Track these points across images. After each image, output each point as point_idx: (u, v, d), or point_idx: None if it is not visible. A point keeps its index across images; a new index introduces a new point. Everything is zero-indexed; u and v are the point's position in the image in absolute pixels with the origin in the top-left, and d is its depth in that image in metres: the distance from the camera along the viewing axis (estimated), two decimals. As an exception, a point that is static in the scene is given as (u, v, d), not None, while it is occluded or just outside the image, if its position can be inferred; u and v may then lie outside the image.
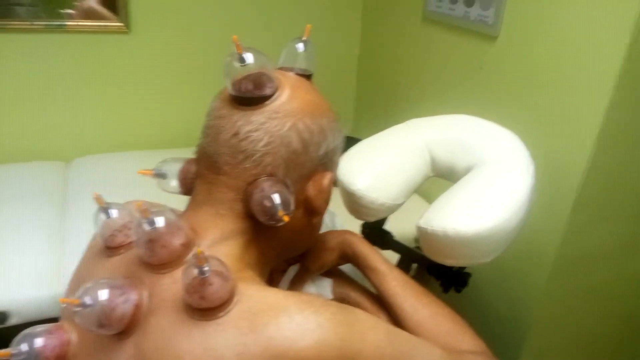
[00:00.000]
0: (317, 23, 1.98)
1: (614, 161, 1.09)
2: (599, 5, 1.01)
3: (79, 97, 1.80)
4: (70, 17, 1.67)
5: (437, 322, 0.70)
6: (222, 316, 0.49)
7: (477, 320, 1.37)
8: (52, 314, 1.16)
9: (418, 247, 0.92)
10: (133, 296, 0.52)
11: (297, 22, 1.98)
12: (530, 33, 1.19)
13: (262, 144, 0.56)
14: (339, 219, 1.19)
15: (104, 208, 0.59)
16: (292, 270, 0.80)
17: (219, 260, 0.50)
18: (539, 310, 1.24)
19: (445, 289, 0.86)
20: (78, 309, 0.49)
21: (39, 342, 0.54)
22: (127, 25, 1.73)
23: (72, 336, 0.56)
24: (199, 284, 0.48)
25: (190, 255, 0.54)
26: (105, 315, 0.51)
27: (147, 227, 0.52)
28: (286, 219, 0.53)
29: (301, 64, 0.65)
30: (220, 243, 0.57)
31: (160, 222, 0.53)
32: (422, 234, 0.76)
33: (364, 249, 0.76)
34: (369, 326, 0.53)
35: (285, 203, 0.54)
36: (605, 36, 1.01)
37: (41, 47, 1.67)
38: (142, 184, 1.59)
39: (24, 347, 0.53)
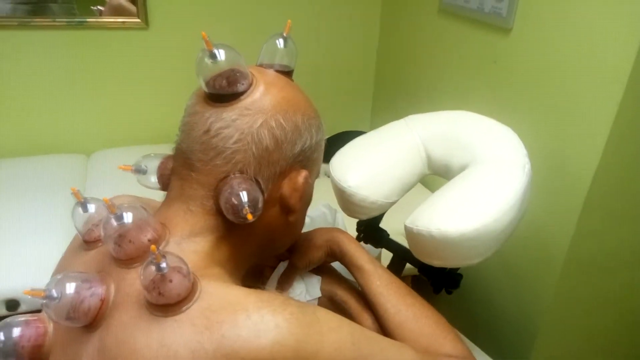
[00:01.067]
0: (337, 16, 1.98)
1: (624, 162, 1.04)
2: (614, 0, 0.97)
3: (100, 92, 1.85)
4: (101, 13, 1.71)
5: (420, 323, 0.68)
6: (180, 313, 0.49)
7: (487, 322, 1.35)
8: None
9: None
10: (99, 290, 0.53)
11: (315, 17, 1.97)
12: (544, 25, 1.15)
13: (232, 140, 0.56)
14: (340, 216, 1.18)
15: (82, 203, 0.60)
16: (282, 266, 0.80)
17: (178, 257, 0.50)
18: (548, 313, 1.20)
19: (436, 290, 0.84)
20: (44, 300, 0.51)
21: (16, 332, 0.56)
22: (146, 21, 1.76)
23: (50, 327, 0.58)
24: (159, 280, 0.48)
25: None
26: (73, 308, 0.52)
27: (114, 223, 0.53)
28: (250, 217, 0.53)
29: (281, 60, 0.64)
30: (188, 239, 0.57)
31: (128, 217, 0.53)
32: (409, 234, 0.74)
33: (351, 247, 0.75)
34: (330, 327, 0.52)
35: (252, 201, 0.54)
36: (619, 31, 0.96)
37: (63, 44, 1.73)
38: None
39: (1, 336, 0.55)
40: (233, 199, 0.54)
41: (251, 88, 0.57)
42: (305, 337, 0.49)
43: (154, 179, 0.65)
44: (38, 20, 1.66)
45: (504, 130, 0.85)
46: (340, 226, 1.18)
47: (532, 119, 1.17)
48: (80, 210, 0.60)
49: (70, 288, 0.51)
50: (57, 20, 1.67)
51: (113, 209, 0.53)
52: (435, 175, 0.90)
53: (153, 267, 0.48)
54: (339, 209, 1.07)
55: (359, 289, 0.77)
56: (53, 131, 1.84)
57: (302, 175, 0.61)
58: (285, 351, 0.47)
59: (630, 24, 0.93)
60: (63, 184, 1.63)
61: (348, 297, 0.77)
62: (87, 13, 1.70)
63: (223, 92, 0.57)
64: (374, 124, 2.22)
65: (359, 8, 2.03)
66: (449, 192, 0.75)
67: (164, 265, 0.48)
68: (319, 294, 0.80)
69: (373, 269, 0.73)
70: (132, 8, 1.73)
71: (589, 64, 1.03)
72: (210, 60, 0.56)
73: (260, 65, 0.64)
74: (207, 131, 0.56)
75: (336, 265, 0.81)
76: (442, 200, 0.74)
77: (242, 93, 0.57)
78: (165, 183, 0.63)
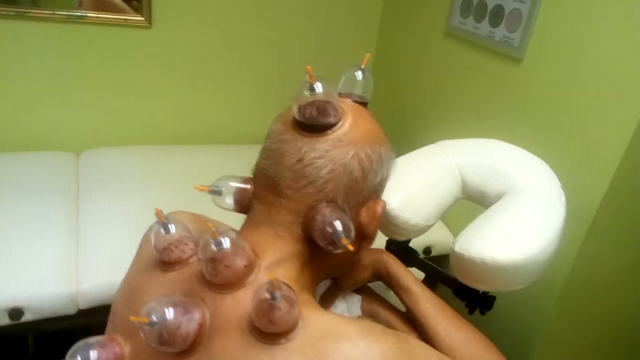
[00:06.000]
0: (333, 25, 2.00)
1: (630, 194, 1.12)
2: (630, 36, 1.04)
3: (97, 90, 1.79)
4: (80, 4, 1.63)
5: (470, 346, 0.71)
6: (288, 341, 0.50)
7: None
8: (68, 311, 1.16)
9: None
10: (196, 315, 0.53)
11: (313, 25, 1.99)
12: (556, 59, 1.21)
13: (325, 171, 0.57)
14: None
15: (163, 223, 0.60)
16: (323, 286, 0.81)
17: (288, 286, 0.51)
18: (546, 333, 1.27)
19: (471, 311, 0.88)
20: (146, 327, 0.50)
21: (93, 355, 0.55)
22: (149, 20, 1.72)
23: (126, 349, 0.57)
24: (269, 308, 0.49)
25: (252, 277, 0.55)
26: (168, 333, 0.51)
27: (213, 247, 0.53)
28: (350, 247, 0.54)
29: (358, 91, 0.66)
30: (278, 265, 0.58)
31: (226, 242, 0.53)
32: (458, 260, 0.78)
33: (398, 269, 0.77)
34: (423, 356, 0.55)
35: (346, 230, 0.56)
36: (632, 68, 1.03)
37: (61, 38, 1.66)
38: (150, 179, 1.62)
39: (78, 358, 0.54)
40: (327, 228, 0.56)
41: (341, 120, 0.59)
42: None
43: (229, 200, 0.65)
44: (36, 12, 1.58)
45: (536, 160, 0.90)
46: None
47: (540, 148, 1.24)
48: (161, 231, 0.60)
49: (170, 313, 0.51)
50: (56, 12, 1.61)
51: (216, 234, 0.53)
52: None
53: (267, 296, 0.49)
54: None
55: (397, 308, 0.80)
56: (43, 128, 1.76)
57: (380, 205, 0.63)
58: None
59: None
60: (54, 183, 1.57)
61: (392, 317, 0.80)
62: (71, 6, 1.63)
63: (316, 123, 0.58)
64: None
65: (356, 21, 2.06)
66: (497, 220, 0.79)
67: (278, 294, 0.49)
68: (359, 312, 0.82)
69: (421, 291, 0.75)
70: (122, 4, 1.68)
71: (600, 100, 1.11)
72: (309, 93, 0.57)
73: (339, 95, 0.66)
74: (300, 160, 0.57)
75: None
76: (492, 227, 0.78)
77: (334, 125, 0.58)
78: (243, 206, 0.63)
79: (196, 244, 0.61)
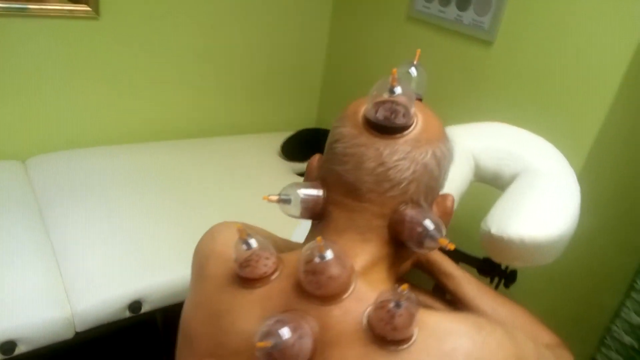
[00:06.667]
0: (287, 18, 1.97)
1: (605, 167, 1.23)
2: (599, 14, 1.11)
3: (39, 89, 1.62)
4: None
5: (517, 320, 0.76)
6: (410, 345, 0.50)
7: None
8: (65, 336, 1.07)
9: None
10: (307, 330, 0.52)
11: (265, 15, 1.94)
12: (528, 39, 1.29)
13: (409, 172, 0.57)
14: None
15: (245, 240, 0.57)
16: None
17: (410, 291, 0.51)
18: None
19: (497, 286, 0.93)
20: (266, 350, 0.49)
21: None
22: (96, 10, 1.58)
23: None
24: (391, 316, 0.49)
25: (352, 285, 0.55)
26: (280, 352, 0.50)
27: (317, 260, 0.52)
28: (452, 247, 0.56)
29: (413, 87, 0.66)
30: (371, 270, 0.58)
31: (329, 254, 0.53)
32: (496, 241, 0.82)
33: (438, 256, 0.80)
34: (522, 338, 0.58)
35: (438, 228, 0.57)
36: (602, 46, 1.12)
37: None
38: (111, 182, 1.51)
39: None
40: (418, 228, 0.56)
41: (416, 120, 0.59)
42: (521, 352, 0.54)
43: (297, 207, 0.63)
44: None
45: (543, 140, 0.97)
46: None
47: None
48: (243, 247, 0.57)
49: (286, 333, 0.50)
50: (-9, 5, 1.42)
51: (322, 248, 0.52)
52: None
53: (392, 304, 0.49)
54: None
55: (428, 290, 0.83)
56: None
57: (449, 199, 0.64)
58: None
59: (617, 39, 1.10)
60: (7, 196, 1.42)
61: (433, 302, 0.83)
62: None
63: (392, 125, 0.58)
64: (321, 122, 2.27)
65: (307, 9, 2.03)
66: (526, 200, 0.84)
67: (404, 303, 0.49)
68: None
69: (462, 274, 0.79)
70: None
71: (573, 77, 1.20)
72: (389, 95, 0.57)
73: None
74: (382, 163, 0.57)
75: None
76: (524, 208, 0.82)
77: (410, 125, 0.59)
78: (316, 213, 0.62)
79: (277, 258, 0.59)
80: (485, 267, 0.93)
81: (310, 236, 0.64)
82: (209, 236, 0.69)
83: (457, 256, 1.03)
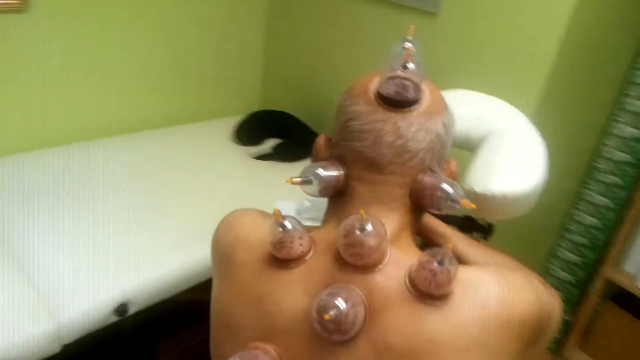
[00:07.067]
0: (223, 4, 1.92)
1: (548, 123, 1.35)
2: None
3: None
4: None
5: (511, 265, 0.84)
6: (452, 298, 0.56)
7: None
8: (52, 350, 1.01)
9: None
10: (358, 299, 0.55)
11: (201, 4, 1.88)
12: (470, 8, 1.37)
13: (425, 142, 0.62)
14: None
15: (280, 223, 0.59)
16: None
17: (449, 250, 0.55)
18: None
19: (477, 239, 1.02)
20: (324, 323, 0.52)
21: None
22: (24, 1, 1.45)
23: (277, 354, 0.57)
24: (434, 274, 0.54)
25: (388, 252, 0.59)
26: (338, 323, 0.53)
27: (358, 232, 0.55)
28: (473, 206, 0.61)
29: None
30: (399, 236, 0.62)
31: (369, 226, 0.56)
32: (482, 199, 0.89)
33: (429, 218, 0.86)
34: (533, 278, 0.65)
35: (457, 192, 0.62)
36: (544, 13, 1.23)
37: None
38: (63, 184, 1.43)
39: None
40: (439, 193, 0.61)
41: (424, 93, 0.63)
42: (538, 289, 0.61)
43: (316, 186, 0.65)
44: None
45: (505, 103, 1.05)
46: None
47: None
48: (279, 229, 0.59)
49: (342, 304, 0.53)
50: None
51: (364, 221, 0.55)
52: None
53: (436, 264, 0.54)
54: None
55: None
56: None
57: (453, 163, 0.70)
58: (536, 306, 0.59)
59: (555, 7, 1.20)
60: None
61: None
62: None
63: (405, 99, 0.61)
64: (266, 103, 2.26)
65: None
66: (501, 158, 0.92)
67: (446, 261, 0.54)
68: None
69: (453, 232, 0.86)
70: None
71: (515, 43, 1.30)
72: (402, 71, 0.60)
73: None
74: (401, 136, 0.61)
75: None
76: (502, 166, 0.90)
77: (420, 98, 0.63)
78: (339, 189, 0.65)
79: (310, 238, 0.62)
80: (465, 224, 1.01)
81: (332, 213, 0.67)
82: (227, 226, 0.70)
83: (440, 217, 1.10)
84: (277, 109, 2.01)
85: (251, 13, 2.06)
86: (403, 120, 0.61)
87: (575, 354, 1.86)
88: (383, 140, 0.61)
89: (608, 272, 1.68)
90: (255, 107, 2.26)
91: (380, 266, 0.58)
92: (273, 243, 0.60)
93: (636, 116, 1.73)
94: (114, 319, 1.06)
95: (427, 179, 0.62)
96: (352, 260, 0.57)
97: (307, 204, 1.25)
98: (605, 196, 1.90)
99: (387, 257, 0.58)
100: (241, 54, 2.10)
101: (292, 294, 0.59)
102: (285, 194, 1.48)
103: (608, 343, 1.80)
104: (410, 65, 0.60)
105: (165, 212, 1.34)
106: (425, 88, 0.64)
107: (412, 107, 0.62)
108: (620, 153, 1.81)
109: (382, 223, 0.58)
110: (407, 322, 0.55)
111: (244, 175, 1.63)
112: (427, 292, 0.55)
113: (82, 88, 1.70)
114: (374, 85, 0.63)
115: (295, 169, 1.72)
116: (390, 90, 0.61)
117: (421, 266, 0.55)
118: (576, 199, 1.95)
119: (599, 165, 1.86)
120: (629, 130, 1.77)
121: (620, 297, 1.77)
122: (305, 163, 1.95)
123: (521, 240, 1.59)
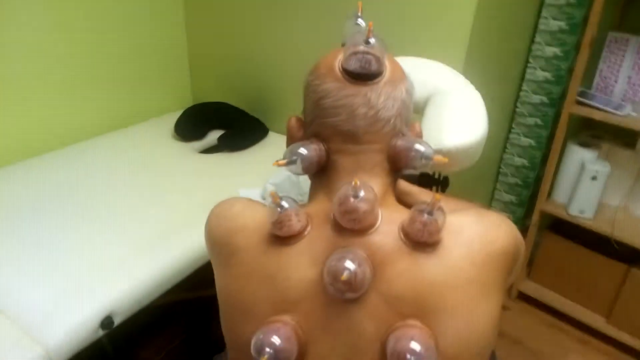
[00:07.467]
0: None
1: (478, 77, 1.46)
2: None
3: None
4: None
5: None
6: (443, 244, 0.62)
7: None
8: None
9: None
10: (363, 259, 0.60)
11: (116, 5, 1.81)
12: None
13: (394, 110, 0.67)
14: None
15: (278, 203, 0.63)
16: None
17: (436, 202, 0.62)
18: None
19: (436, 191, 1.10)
20: (339, 285, 0.57)
21: (276, 341, 0.59)
22: None
23: (294, 322, 0.62)
24: (424, 224, 0.60)
25: (379, 213, 0.64)
26: (349, 283, 0.59)
27: (352, 199, 0.60)
28: (445, 159, 0.68)
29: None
30: (384, 197, 0.68)
31: (362, 192, 0.61)
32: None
33: None
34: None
35: (429, 149, 0.68)
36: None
37: None
38: (19, 205, 1.35)
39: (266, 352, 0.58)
40: (412, 153, 0.68)
41: (387, 64, 0.69)
42: (511, 225, 0.69)
43: (301, 165, 0.69)
44: None
45: (440, 64, 1.13)
46: (302, 183, 1.31)
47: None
48: (278, 210, 0.63)
49: (351, 265, 0.58)
50: None
51: (358, 188, 0.60)
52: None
53: (425, 216, 0.60)
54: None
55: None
56: None
57: (417, 125, 0.76)
58: (514, 238, 0.67)
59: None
60: None
61: None
62: None
63: (371, 72, 0.66)
64: (197, 97, 2.23)
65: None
66: (448, 115, 1.00)
67: (435, 211, 0.60)
68: None
69: (417, 189, 0.93)
70: None
71: (435, 11, 1.39)
72: (365, 46, 0.65)
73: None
74: (373, 107, 0.66)
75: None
76: (450, 122, 0.98)
77: (384, 70, 0.68)
78: (322, 165, 0.69)
79: (306, 213, 0.66)
80: (423, 180, 1.09)
81: (319, 187, 0.71)
82: (218, 217, 0.72)
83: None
84: (213, 100, 2.00)
85: (169, 5, 2.01)
86: (372, 91, 0.66)
87: (524, 283, 2.05)
88: (357, 113, 0.66)
89: (542, 204, 1.86)
90: (189, 102, 2.22)
91: (375, 227, 0.63)
92: (273, 223, 0.63)
93: (546, 60, 1.91)
94: (101, 333, 1.05)
95: (401, 142, 0.68)
96: (351, 226, 0.62)
97: (270, 187, 1.28)
98: (529, 137, 2.08)
99: (380, 218, 0.64)
100: (165, 49, 2.04)
101: (299, 266, 0.63)
102: (242, 182, 1.49)
103: (551, 268, 2.00)
104: (372, 40, 0.65)
105: (126, 219, 1.32)
106: (386, 59, 0.69)
107: (377, 79, 0.67)
108: (536, 96, 1.99)
109: (372, 187, 0.63)
110: (407, 270, 0.61)
111: (195, 171, 1.62)
112: (421, 241, 0.61)
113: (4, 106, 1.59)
114: (338, 62, 0.68)
115: (245, 157, 1.74)
116: (355, 65, 0.66)
117: (413, 219, 0.61)
118: (507, 144, 2.13)
119: (520, 110, 2.04)
120: (541, 74, 1.95)
121: (555, 225, 1.97)
122: (254, 150, 1.98)
123: (465, 191, 1.72)
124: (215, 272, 0.72)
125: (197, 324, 1.55)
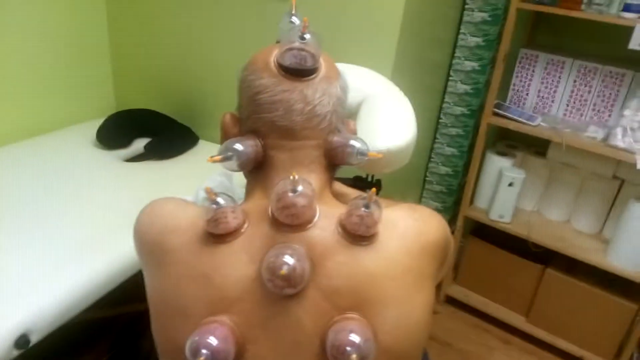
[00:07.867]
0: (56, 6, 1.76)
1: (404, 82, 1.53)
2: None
3: None
4: None
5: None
6: (378, 238, 0.63)
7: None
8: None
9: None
10: (302, 254, 0.60)
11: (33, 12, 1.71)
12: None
13: (329, 106, 0.68)
14: (235, 179, 1.29)
15: (214, 200, 0.61)
16: None
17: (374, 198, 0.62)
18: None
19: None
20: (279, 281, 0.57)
21: (213, 342, 0.57)
22: None
23: (231, 323, 0.60)
24: (361, 218, 0.61)
25: (316, 209, 0.64)
26: (288, 278, 0.58)
27: (291, 194, 0.60)
28: (379, 155, 0.69)
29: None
30: (322, 192, 0.68)
31: (300, 187, 0.61)
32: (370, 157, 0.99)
33: None
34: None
35: (364, 145, 0.69)
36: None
37: None
38: None
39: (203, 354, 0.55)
40: (348, 149, 0.69)
41: (322, 61, 0.70)
42: (440, 217, 0.72)
43: (236, 162, 0.67)
44: None
45: (369, 70, 1.16)
46: (236, 187, 1.29)
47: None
48: (214, 206, 0.61)
49: (291, 260, 0.58)
50: None
51: (297, 182, 0.59)
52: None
53: (363, 209, 0.61)
54: (233, 173, 1.19)
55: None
56: None
57: (352, 123, 0.78)
58: (444, 231, 0.70)
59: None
60: None
61: None
62: None
63: (307, 68, 0.67)
64: (121, 104, 2.13)
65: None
66: (379, 119, 1.02)
67: (372, 205, 0.61)
68: None
69: (352, 190, 0.95)
70: None
71: (364, 17, 1.43)
72: (300, 42, 0.65)
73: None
74: (309, 103, 0.67)
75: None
76: (381, 125, 1.01)
77: (319, 67, 0.69)
78: (258, 161, 0.68)
79: (242, 210, 0.64)
80: (357, 183, 1.11)
81: (256, 184, 0.70)
82: (150, 217, 0.69)
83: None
84: (137, 107, 1.92)
85: (89, 6, 1.91)
86: (308, 87, 0.67)
87: (451, 287, 2.14)
88: (293, 109, 0.66)
89: (465, 210, 1.96)
90: (112, 108, 2.12)
91: (313, 222, 0.63)
92: (208, 221, 0.61)
93: (466, 74, 2.03)
94: (16, 353, 0.95)
95: (337, 138, 0.69)
96: (289, 221, 0.61)
97: (202, 194, 1.25)
98: (451, 146, 2.19)
99: (318, 213, 0.64)
100: (85, 52, 1.94)
101: (237, 264, 0.61)
102: (171, 191, 1.43)
103: (475, 271, 2.10)
104: (307, 36, 0.66)
105: (45, 230, 1.22)
106: (320, 56, 0.70)
107: (313, 75, 0.67)
108: (457, 107, 2.11)
109: (310, 182, 0.63)
110: (346, 263, 0.61)
111: (120, 180, 1.53)
112: (359, 234, 0.62)
113: None
114: (273, 58, 0.68)
115: (174, 165, 1.68)
116: (290, 61, 0.66)
117: (350, 213, 0.61)
118: (431, 153, 2.22)
119: (443, 121, 2.15)
120: (462, 87, 2.06)
121: (478, 230, 2.07)
122: (183, 157, 1.92)
123: (394, 197, 1.78)
124: (145, 274, 0.68)
125: (125, 339, 1.46)
